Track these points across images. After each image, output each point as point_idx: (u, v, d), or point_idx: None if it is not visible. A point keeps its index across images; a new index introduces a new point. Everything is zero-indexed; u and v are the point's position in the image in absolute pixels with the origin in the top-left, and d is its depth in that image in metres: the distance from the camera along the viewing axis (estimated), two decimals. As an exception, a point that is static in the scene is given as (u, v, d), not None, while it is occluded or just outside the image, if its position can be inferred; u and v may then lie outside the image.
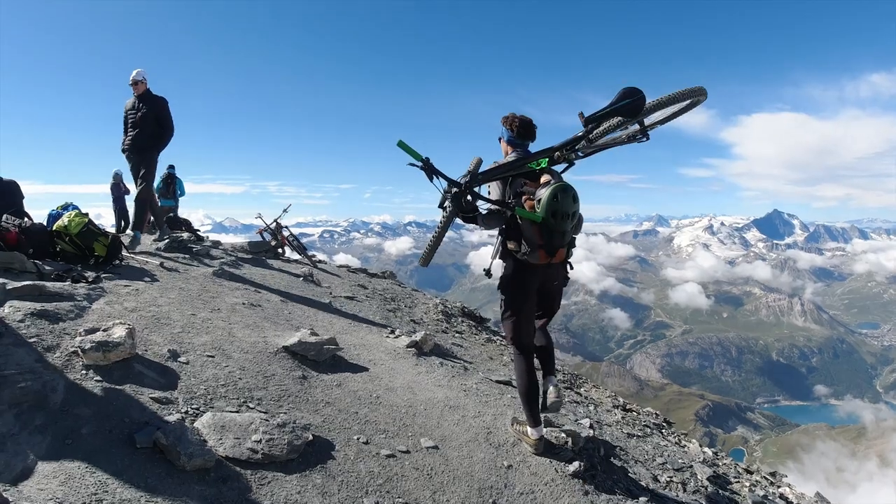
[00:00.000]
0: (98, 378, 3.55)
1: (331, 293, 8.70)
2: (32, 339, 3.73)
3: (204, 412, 3.56)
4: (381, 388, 4.82)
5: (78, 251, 6.23)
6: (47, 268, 5.53)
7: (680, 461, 5.47)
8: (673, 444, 6.33)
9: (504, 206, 4.03)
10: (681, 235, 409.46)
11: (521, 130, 4.27)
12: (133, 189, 8.70)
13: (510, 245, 4.06)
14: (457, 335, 9.02)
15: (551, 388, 4.29)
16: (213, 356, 4.40)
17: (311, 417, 3.97)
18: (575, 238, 4.18)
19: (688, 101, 4.05)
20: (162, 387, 3.73)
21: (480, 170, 4.21)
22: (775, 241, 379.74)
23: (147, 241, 8.80)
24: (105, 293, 5.26)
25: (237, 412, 3.69)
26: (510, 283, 4.17)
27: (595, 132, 4.08)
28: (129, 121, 8.35)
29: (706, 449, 6.78)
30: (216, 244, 10.99)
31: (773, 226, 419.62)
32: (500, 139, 4.40)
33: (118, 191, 15.11)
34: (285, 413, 3.91)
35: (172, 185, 13.62)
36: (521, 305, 4.19)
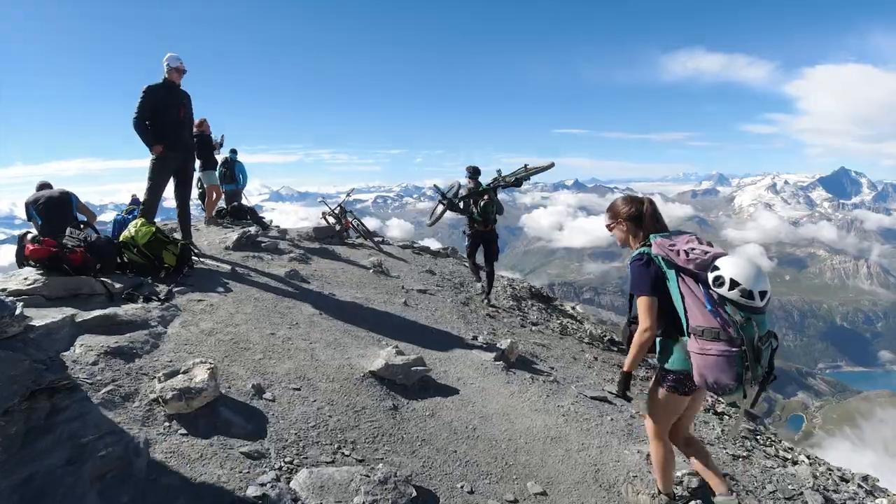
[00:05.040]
0: (183, 431, 3.25)
1: (402, 287, 8.34)
2: (108, 387, 3.44)
3: (298, 466, 3.23)
4: (476, 416, 4.42)
5: (147, 261, 6.00)
6: (117, 285, 5.29)
7: (790, 488, 4.97)
8: (779, 464, 5.86)
9: (468, 210, 8.90)
10: (742, 195, 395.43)
11: (474, 173, 9.10)
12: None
13: (470, 223, 8.95)
14: (533, 328, 8.64)
15: (487, 296, 9.27)
16: (298, 388, 4.07)
17: (409, 462, 3.61)
18: (496, 218, 8.87)
19: (546, 166, 8.84)
20: (250, 435, 3.40)
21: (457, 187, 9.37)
22: (842, 201, 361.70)
23: (215, 238, 8.59)
24: (179, 312, 5.00)
25: (332, 462, 3.35)
26: (470, 237, 9.02)
27: (504, 180, 8.84)
28: (165, 115, 6.95)
29: (803, 457, 6.32)
30: (283, 233, 10.78)
31: (840, 184, 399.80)
32: (467, 176, 9.13)
33: None
34: (382, 457, 3.56)
35: (231, 170, 13.25)
36: (473, 246, 9.07)
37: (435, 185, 9.55)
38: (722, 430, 6.17)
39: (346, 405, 4.04)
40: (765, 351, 2.85)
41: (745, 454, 5.72)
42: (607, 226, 3.44)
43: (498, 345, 5.95)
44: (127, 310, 4.67)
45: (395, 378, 4.55)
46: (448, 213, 9.56)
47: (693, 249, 2.94)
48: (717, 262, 2.88)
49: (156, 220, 7.01)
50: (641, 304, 3.06)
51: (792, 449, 7.51)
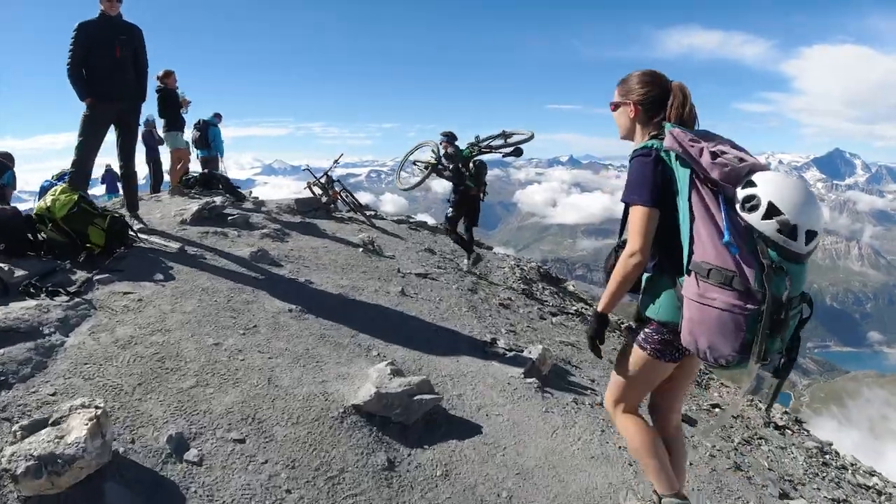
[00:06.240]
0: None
1: (398, 270, 6.90)
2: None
3: None
4: (510, 471, 3.05)
5: (68, 239, 4.58)
6: (18, 272, 3.88)
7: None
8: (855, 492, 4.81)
9: (459, 176, 8.58)
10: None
11: (451, 138, 8.84)
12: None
13: (458, 187, 8.68)
14: (554, 320, 7.35)
15: (466, 262, 8.83)
16: (242, 440, 2.68)
17: (414, 573, 2.25)
18: (486, 183, 8.84)
19: (527, 137, 8.37)
20: (150, 538, 2.04)
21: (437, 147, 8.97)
22: (835, 182, 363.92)
23: (171, 210, 7.12)
24: (93, 311, 3.61)
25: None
26: (456, 202, 8.72)
27: (485, 144, 8.66)
28: (98, 56, 5.53)
29: (876, 480, 5.81)
30: (259, 205, 9.30)
31: (834, 165, 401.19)
32: (444, 141, 8.80)
33: (151, 140, 12.55)
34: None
35: (204, 133, 11.62)
36: (458, 212, 8.74)
37: (429, 157, 9.07)
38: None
39: (314, 468, 2.65)
40: (792, 318, 1.95)
41: (843, 497, 4.46)
42: (612, 104, 2.41)
43: (526, 353, 4.54)
44: (10, 311, 3.27)
45: (391, 414, 3.15)
46: (439, 187, 9.51)
47: (724, 153, 2.00)
48: (755, 177, 1.96)
49: (115, 194, 5.58)
50: (635, 216, 2.12)
51: (856, 466, 6.54)
